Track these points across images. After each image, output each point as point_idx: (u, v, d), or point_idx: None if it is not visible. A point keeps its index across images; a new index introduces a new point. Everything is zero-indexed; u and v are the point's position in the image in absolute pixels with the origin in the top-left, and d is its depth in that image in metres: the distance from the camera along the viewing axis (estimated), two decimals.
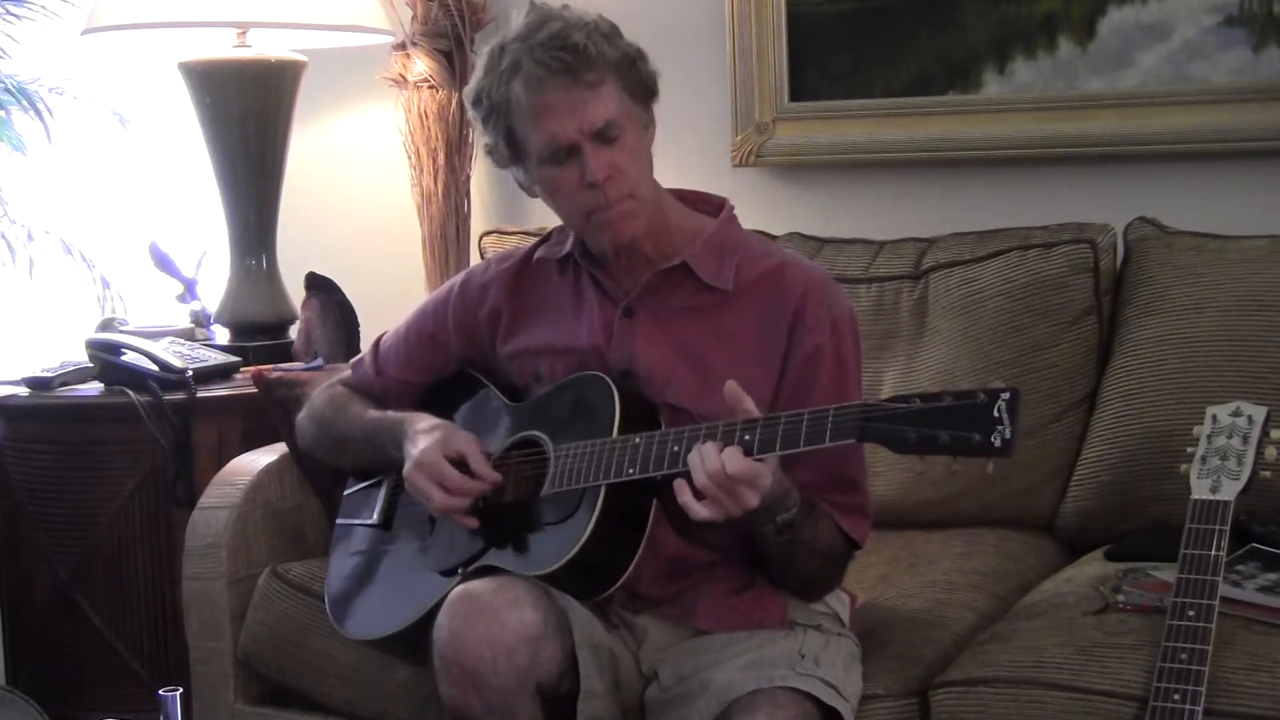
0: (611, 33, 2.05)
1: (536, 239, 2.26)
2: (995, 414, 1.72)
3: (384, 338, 2.36)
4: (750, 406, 1.87)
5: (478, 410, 2.23)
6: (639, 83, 2.07)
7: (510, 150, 2.08)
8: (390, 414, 2.25)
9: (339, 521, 2.40)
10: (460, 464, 2.09)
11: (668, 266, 2.08)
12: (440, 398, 2.29)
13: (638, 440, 1.96)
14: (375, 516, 2.31)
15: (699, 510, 1.85)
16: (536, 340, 2.18)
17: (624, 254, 2.10)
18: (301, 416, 2.40)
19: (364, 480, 2.37)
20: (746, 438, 1.86)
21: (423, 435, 2.13)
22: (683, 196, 2.18)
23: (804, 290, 2.07)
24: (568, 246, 2.17)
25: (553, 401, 2.13)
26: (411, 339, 2.31)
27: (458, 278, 2.31)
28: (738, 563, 2.08)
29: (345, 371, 2.41)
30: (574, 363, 2.12)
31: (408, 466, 2.11)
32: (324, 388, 2.40)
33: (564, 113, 1.99)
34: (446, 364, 2.29)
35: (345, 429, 2.30)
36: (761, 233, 2.77)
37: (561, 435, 2.06)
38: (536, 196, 2.13)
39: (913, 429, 1.75)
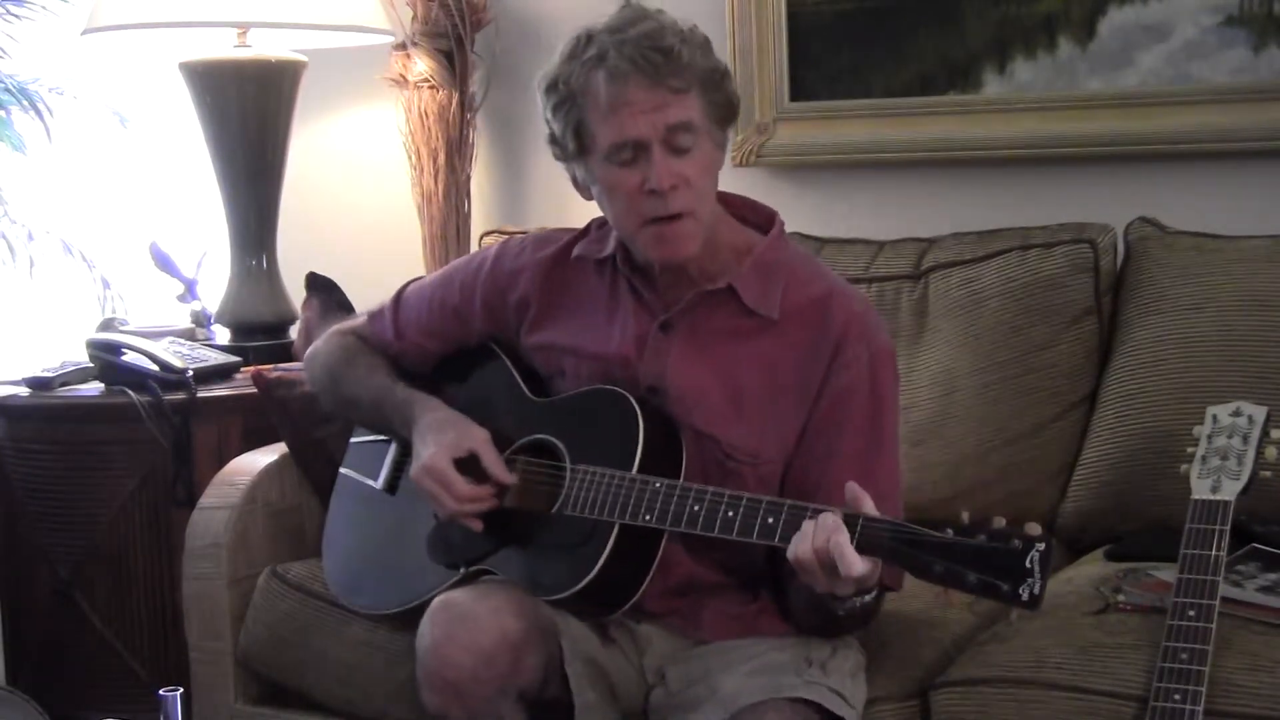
0: (705, 45, 1.99)
1: (575, 230, 2.19)
2: (1028, 564, 1.68)
3: (406, 293, 2.30)
4: (868, 509, 1.79)
5: (495, 390, 2.19)
6: (723, 102, 2.00)
7: (576, 143, 2.00)
8: (400, 389, 2.21)
9: (343, 470, 2.38)
10: (471, 461, 2.07)
11: (713, 288, 2.04)
12: (459, 368, 2.25)
13: (658, 486, 1.93)
14: (380, 482, 2.30)
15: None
16: (564, 339, 2.13)
17: (668, 269, 2.04)
18: (313, 355, 2.35)
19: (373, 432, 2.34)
20: (770, 520, 1.84)
21: (432, 434, 2.10)
22: (728, 203, 2.10)
23: (846, 323, 2.01)
24: (609, 248, 2.11)
25: (575, 409, 2.09)
26: (435, 307, 2.26)
27: (490, 252, 2.25)
28: (745, 582, 2.07)
29: (359, 319, 2.36)
30: (600, 370, 2.08)
31: (416, 468, 2.09)
32: (338, 332, 2.34)
33: (641, 111, 1.92)
34: (468, 337, 2.25)
35: (354, 389, 2.26)
36: None
37: (580, 450, 2.03)
38: (591, 199, 2.06)
39: (940, 562, 1.71)
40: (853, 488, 1.80)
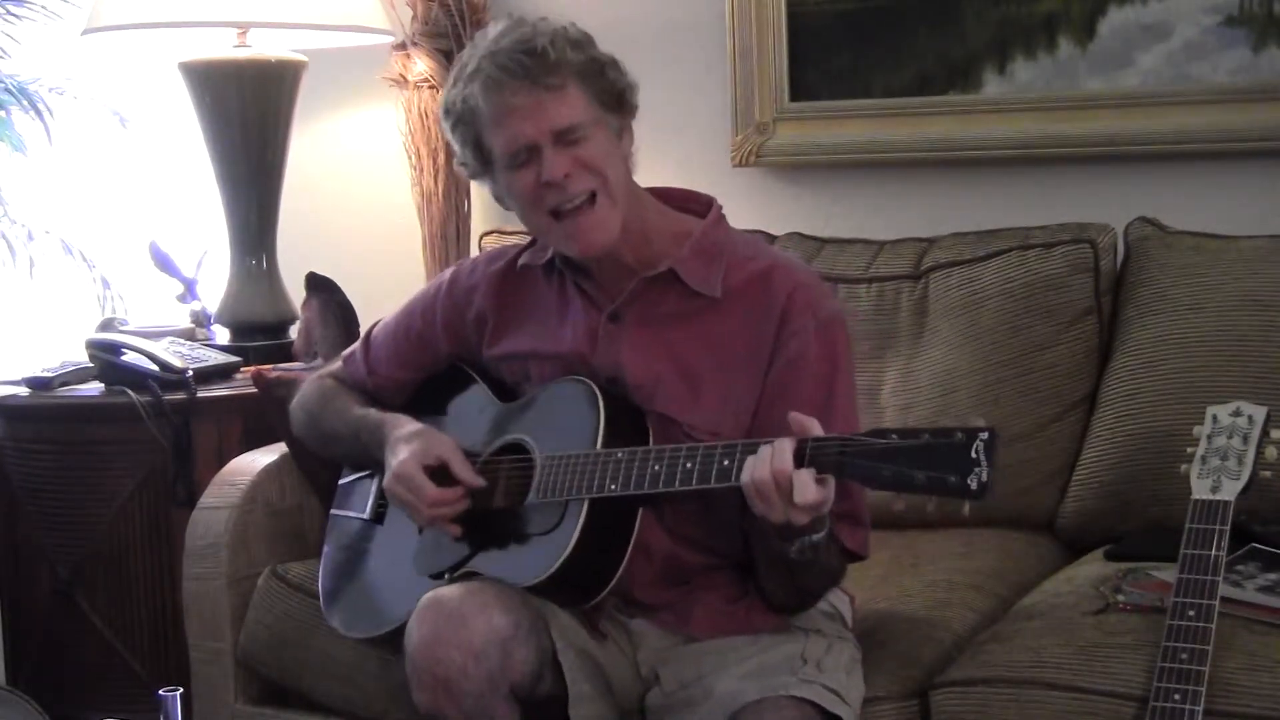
0: (581, 40, 2.02)
1: (523, 243, 2.24)
2: (973, 455, 1.68)
3: (374, 331, 2.36)
4: (815, 430, 1.81)
5: (468, 407, 2.23)
6: (607, 89, 2.03)
7: (478, 160, 2.06)
8: (373, 414, 2.25)
9: (333, 511, 2.41)
10: (441, 470, 2.09)
11: (654, 274, 2.06)
12: (432, 392, 2.29)
13: (620, 455, 1.95)
14: (367, 512, 2.32)
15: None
16: (522, 345, 2.17)
17: (604, 262, 2.07)
18: (294, 404, 2.41)
19: (357, 470, 2.37)
20: (725, 463, 1.85)
21: (402, 444, 2.13)
22: (668, 196, 2.14)
23: (790, 294, 2.03)
24: (549, 252, 2.15)
25: (539, 404, 2.12)
26: (400, 337, 2.31)
27: (445, 276, 2.30)
28: (733, 568, 2.07)
29: (335, 363, 2.40)
30: (561, 369, 2.11)
31: (388, 479, 2.12)
32: (315, 378, 2.40)
33: (524, 114, 1.97)
34: (437, 361, 2.29)
35: (332, 424, 2.31)
36: (760, 233, 2.78)
37: (548, 441, 2.05)
38: (510, 209, 2.11)
39: (888, 466, 1.72)
40: (797, 416, 1.82)
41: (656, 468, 1.92)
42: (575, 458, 1.99)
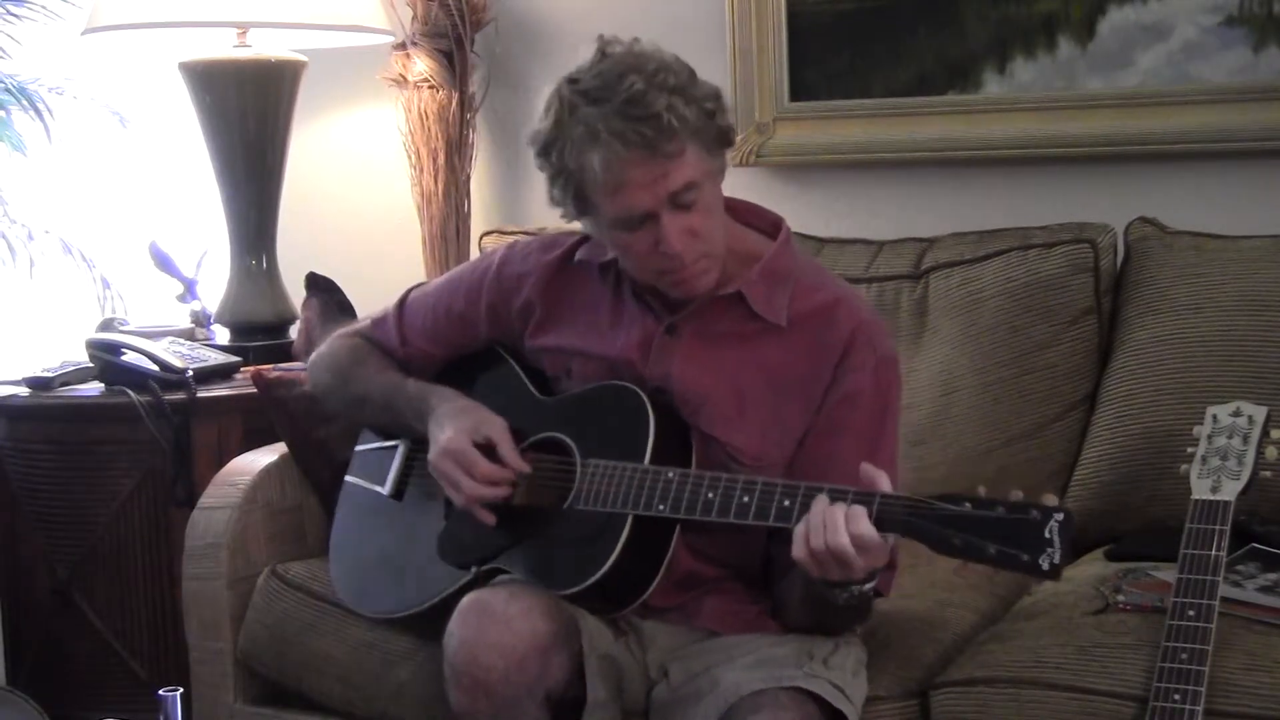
0: (687, 84, 1.93)
1: (580, 234, 2.16)
2: (1046, 534, 1.68)
3: (409, 299, 2.30)
4: (884, 486, 1.80)
5: (502, 392, 2.19)
6: (718, 135, 1.97)
7: (578, 207, 1.99)
8: (412, 384, 2.21)
9: (348, 479, 2.38)
10: (488, 451, 2.06)
11: (721, 294, 2.03)
12: (466, 370, 2.25)
13: (671, 475, 1.93)
14: (387, 487, 2.30)
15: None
16: (568, 342, 2.13)
17: None
18: (317, 360, 2.35)
19: (378, 437, 2.34)
20: (786, 504, 1.84)
21: (449, 419, 2.09)
22: (732, 208, 2.10)
23: (853, 330, 2.02)
24: (611, 253, 2.10)
25: (584, 405, 2.09)
26: (440, 313, 2.26)
27: (495, 256, 2.24)
28: (746, 579, 2.07)
29: (363, 323, 2.36)
30: (606, 371, 2.08)
31: (434, 452, 2.08)
32: (343, 335, 2.34)
33: (643, 186, 1.91)
34: (474, 342, 2.25)
35: (364, 387, 2.26)
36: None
37: (591, 445, 2.02)
38: (606, 246, 2.07)
39: (960, 535, 1.72)
40: (867, 468, 1.81)
41: (710, 495, 1.90)
42: (622, 469, 1.96)
